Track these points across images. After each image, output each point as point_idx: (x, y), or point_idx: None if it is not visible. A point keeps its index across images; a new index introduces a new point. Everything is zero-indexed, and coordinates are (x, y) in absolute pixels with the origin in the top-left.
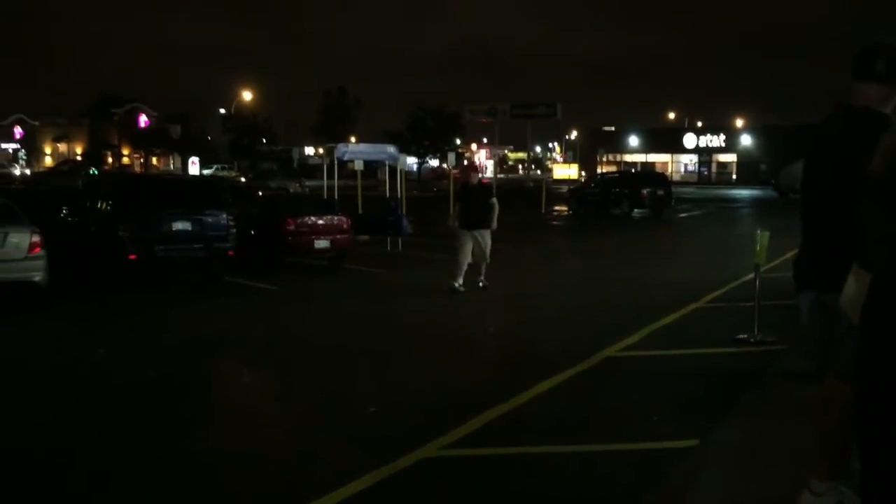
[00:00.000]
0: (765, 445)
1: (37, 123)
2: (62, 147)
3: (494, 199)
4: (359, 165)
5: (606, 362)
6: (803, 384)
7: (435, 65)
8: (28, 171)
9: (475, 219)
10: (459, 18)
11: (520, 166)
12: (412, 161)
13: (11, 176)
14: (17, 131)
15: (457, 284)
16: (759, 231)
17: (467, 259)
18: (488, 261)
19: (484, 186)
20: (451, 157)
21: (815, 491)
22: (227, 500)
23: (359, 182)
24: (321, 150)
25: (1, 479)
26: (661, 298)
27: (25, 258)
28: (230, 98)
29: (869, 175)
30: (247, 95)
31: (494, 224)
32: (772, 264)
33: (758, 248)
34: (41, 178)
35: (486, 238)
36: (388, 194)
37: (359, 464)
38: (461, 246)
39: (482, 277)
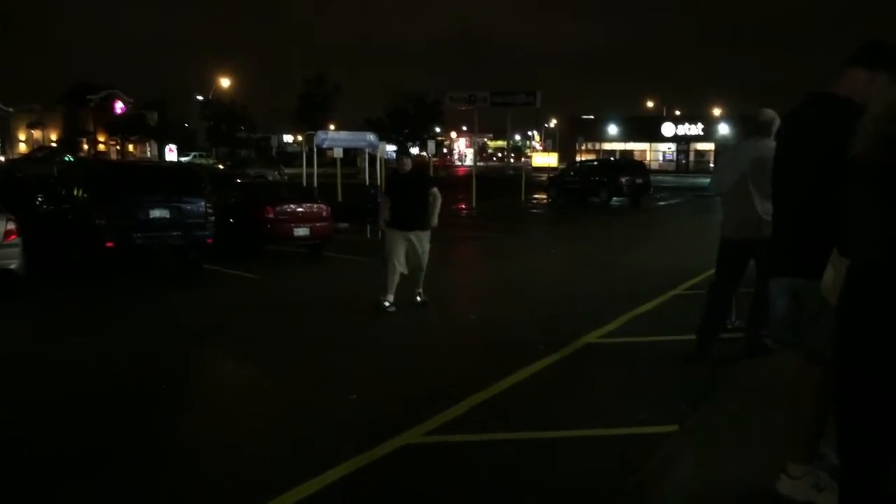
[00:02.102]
0: (743, 430)
1: (11, 110)
2: (37, 134)
3: (435, 190)
4: (338, 153)
5: (586, 349)
6: (777, 368)
7: (418, 54)
8: (2, 158)
9: (409, 217)
10: (443, 9)
11: (497, 155)
12: (392, 149)
13: None
14: None
15: (387, 303)
16: None
17: (400, 268)
18: (423, 269)
19: (420, 175)
20: (431, 145)
21: (792, 475)
22: (207, 488)
23: (338, 170)
24: (300, 138)
25: None
26: (639, 286)
27: (1, 246)
28: (208, 86)
29: (853, 161)
30: (224, 82)
31: (435, 221)
32: None
33: None
34: (16, 165)
35: (423, 242)
36: (367, 182)
37: (340, 450)
38: (391, 251)
39: (420, 290)
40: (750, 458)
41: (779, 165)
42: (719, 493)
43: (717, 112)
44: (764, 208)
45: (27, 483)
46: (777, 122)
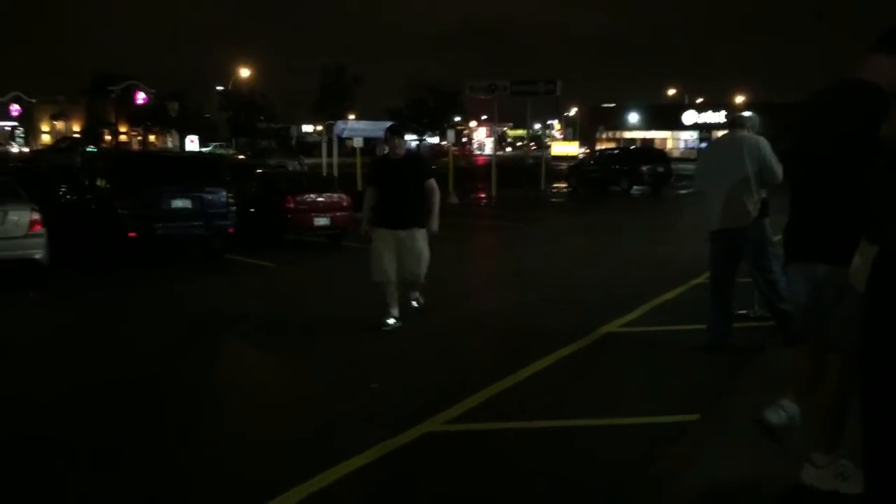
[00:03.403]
0: None
1: (34, 101)
2: (60, 125)
3: (433, 183)
4: (358, 143)
5: (606, 338)
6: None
7: (438, 43)
8: (26, 149)
9: (398, 213)
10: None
11: (516, 143)
12: (412, 138)
13: (9, 153)
14: (15, 109)
15: (391, 321)
16: None
17: (388, 275)
18: (421, 276)
19: (414, 162)
20: (451, 134)
21: (816, 464)
22: (230, 477)
23: (358, 159)
24: (320, 128)
25: (5, 460)
26: (661, 275)
27: (26, 235)
28: (229, 76)
29: (883, 144)
30: (245, 72)
31: (435, 224)
32: (774, 240)
33: None
34: (39, 156)
35: (417, 241)
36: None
37: (362, 438)
38: (376, 257)
39: (417, 294)
40: (773, 448)
41: (798, 151)
42: (742, 482)
43: (740, 100)
44: (744, 198)
45: (53, 469)
46: (752, 117)
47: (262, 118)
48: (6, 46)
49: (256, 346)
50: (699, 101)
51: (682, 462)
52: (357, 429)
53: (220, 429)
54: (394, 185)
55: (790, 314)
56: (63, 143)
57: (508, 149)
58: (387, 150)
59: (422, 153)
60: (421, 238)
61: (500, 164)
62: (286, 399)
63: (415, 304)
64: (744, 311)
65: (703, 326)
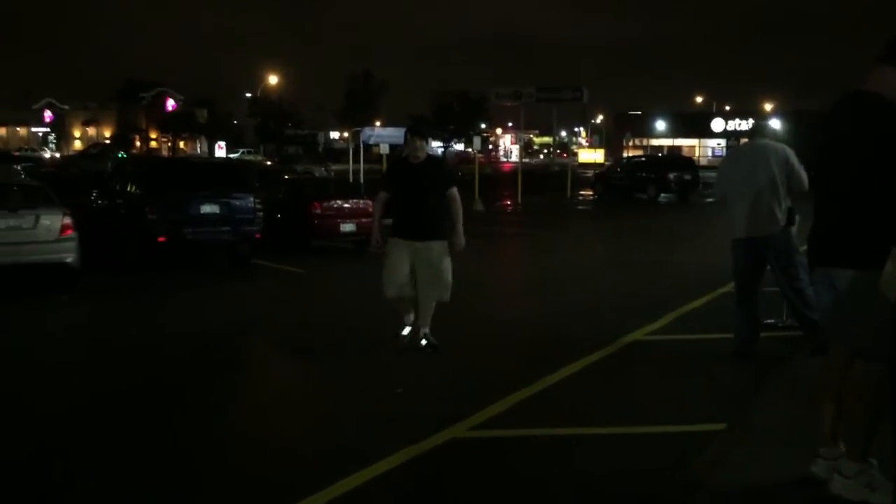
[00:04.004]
0: (792, 429)
1: (66, 107)
2: (91, 131)
3: (455, 191)
4: (384, 149)
5: (632, 346)
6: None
7: (458, 51)
8: (57, 155)
9: (416, 222)
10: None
11: (543, 151)
12: (437, 145)
13: (41, 159)
14: (48, 115)
15: (403, 332)
16: None
17: (404, 291)
18: (446, 297)
19: (436, 167)
20: (477, 140)
21: (846, 474)
22: (254, 482)
23: (384, 165)
24: (346, 134)
25: (32, 456)
26: (687, 283)
27: (57, 240)
28: (257, 82)
29: None
30: (273, 80)
31: (461, 237)
32: (801, 248)
33: None
34: (71, 162)
35: (435, 255)
36: None
37: (387, 443)
38: (389, 270)
39: (426, 330)
40: (800, 457)
41: (822, 160)
42: (769, 491)
43: (769, 107)
44: (771, 206)
45: (77, 468)
46: (772, 125)
47: (289, 125)
48: (40, 53)
49: (282, 350)
50: (727, 108)
51: (709, 471)
52: (381, 434)
53: (244, 433)
54: (412, 192)
55: (819, 324)
56: (94, 148)
57: (541, 156)
58: (406, 152)
59: (447, 159)
60: (441, 252)
61: (526, 172)
62: (311, 404)
63: (424, 341)
64: (772, 321)
65: (730, 335)
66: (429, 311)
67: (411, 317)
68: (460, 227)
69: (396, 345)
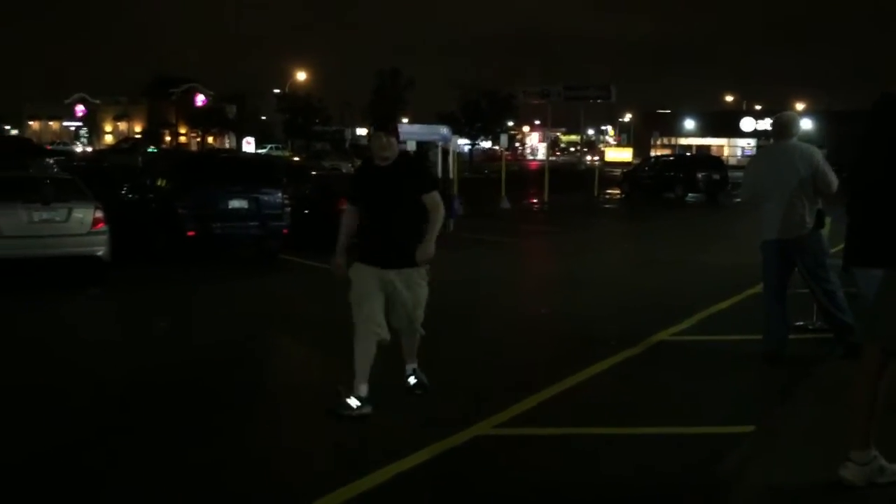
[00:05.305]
0: (821, 432)
1: (98, 102)
2: (122, 125)
3: (436, 197)
4: (411, 146)
5: (660, 346)
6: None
7: (489, 48)
8: (89, 149)
9: (386, 243)
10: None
11: (570, 149)
12: (464, 143)
13: (73, 153)
14: (79, 109)
15: (353, 403)
16: None
17: (381, 334)
18: (421, 331)
19: (409, 168)
20: (503, 138)
21: (857, 461)
22: (279, 476)
23: None
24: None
25: (58, 449)
26: (716, 283)
27: (89, 233)
28: (285, 79)
29: None
30: (301, 76)
31: (431, 246)
32: (832, 250)
33: None
34: (102, 156)
35: (414, 286)
36: (440, 175)
37: (410, 440)
38: (357, 301)
39: (414, 366)
40: (828, 460)
41: (860, 161)
42: (798, 494)
43: (800, 107)
44: (800, 208)
45: (104, 459)
46: (796, 122)
47: (317, 121)
48: (73, 48)
49: (307, 345)
50: (757, 107)
51: (737, 473)
52: (405, 431)
53: (269, 428)
54: (380, 203)
55: (850, 325)
56: (125, 143)
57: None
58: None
59: (429, 156)
60: (418, 279)
61: (553, 170)
62: (335, 399)
63: (412, 379)
64: (802, 323)
65: (759, 336)
66: (414, 343)
67: (364, 387)
68: (433, 236)
69: (340, 413)
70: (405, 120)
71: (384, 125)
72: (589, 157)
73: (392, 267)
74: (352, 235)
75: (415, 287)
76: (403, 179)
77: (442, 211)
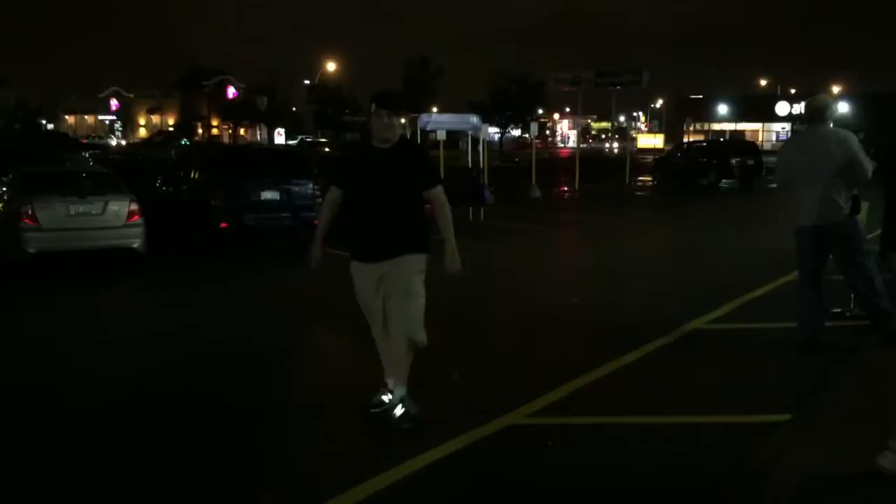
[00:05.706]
0: (858, 420)
1: (132, 95)
2: (155, 118)
3: (440, 190)
4: (441, 136)
5: (693, 334)
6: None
7: (522, 35)
8: (123, 142)
9: (380, 235)
10: None
11: (602, 136)
12: (494, 131)
13: (108, 146)
14: (114, 103)
15: (385, 398)
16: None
17: (379, 336)
18: (419, 338)
19: (411, 155)
20: (534, 126)
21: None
22: (311, 462)
23: (441, 152)
24: (403, 121)
25: (97, 438)
26: (751, 270)
27: (124, 225)
28: (315, 70)
29: None
30: (331, 66)
31: (455, 253)
32: (869, 236)
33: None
34: (136, 149)
35: (405, 277)
36: (470, 164)
37: (443, 429)
38: (364, 307)
39: (402, 392)
40: (864, 448)
41: (892, 144)
42: (835, 482)
43: (836, 90)
44: (835, 194)
45: (138, 448)
46: (830, 106)
47: (347, 111)
48: (107, 42)
49: (341, 334)
50: (792, 91)
51: (773, 462)
52: (437, 420)
53: (301, 416)
54: (374, 190)
55: (887, 313)
56: (158, 136)
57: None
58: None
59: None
60: (414, 270)
61: (584, 158)
62: (367, 389)
63: (400, 408)
64: (839, 310)
65: (794, 324)
66: (402, 359)
67: (392, 380)
68: (453, 242)
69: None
70: (434, 110)
71: (386, 102)
72: (613, 145)
73: (386, 258)
74: (332, 222)
75: (405, 277)
76: (404, 167)
77: (449, 208)
